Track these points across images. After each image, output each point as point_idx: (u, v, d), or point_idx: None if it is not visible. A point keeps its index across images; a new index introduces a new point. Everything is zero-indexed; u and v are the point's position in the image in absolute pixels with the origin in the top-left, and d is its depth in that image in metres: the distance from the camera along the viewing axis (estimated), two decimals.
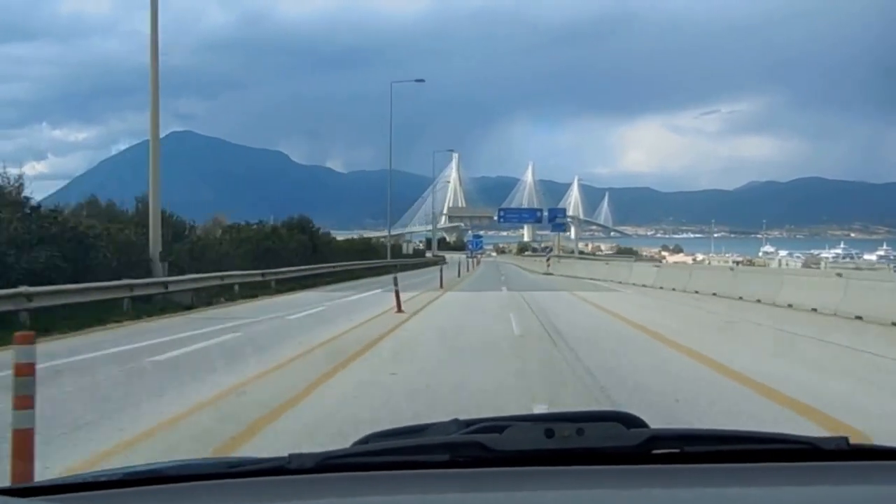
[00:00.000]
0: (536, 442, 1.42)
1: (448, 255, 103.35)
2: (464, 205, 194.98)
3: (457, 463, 1.44)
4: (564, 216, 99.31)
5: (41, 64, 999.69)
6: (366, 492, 1.37)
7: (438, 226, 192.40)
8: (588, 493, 1.34)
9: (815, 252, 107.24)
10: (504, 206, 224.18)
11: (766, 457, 1.46)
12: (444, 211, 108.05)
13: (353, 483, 1.40)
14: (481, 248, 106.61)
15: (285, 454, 1.47)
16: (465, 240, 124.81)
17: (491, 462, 1.42)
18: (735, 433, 1.61)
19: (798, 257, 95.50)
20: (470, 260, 70.01)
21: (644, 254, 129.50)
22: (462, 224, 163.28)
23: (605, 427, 1.46)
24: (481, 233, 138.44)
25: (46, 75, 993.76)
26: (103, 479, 1.43)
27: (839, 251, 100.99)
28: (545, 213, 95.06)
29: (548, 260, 53.09)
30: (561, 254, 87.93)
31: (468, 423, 1.58)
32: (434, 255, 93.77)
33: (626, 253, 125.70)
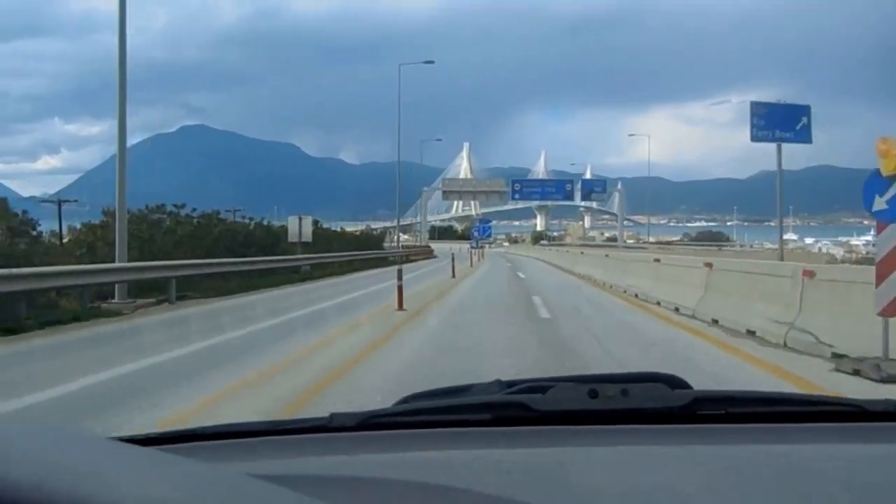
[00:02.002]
0: (580, 402, 1.42)
1: (444, 246, 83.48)
2: (477, 202, 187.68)
3: (499, 422, 1.45)
4: (603, 189, 79.69)
5: (54, 59, 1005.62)
6: (408, 448, 1.37)
7: (449, 214, 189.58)
8: (633, 450, 1.33)
9: (843, 239, 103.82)
10: (516, 196, 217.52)
11: (811, 418, 1.48)
12: (440, 186, 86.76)
13: (395, 440, 1.41)
14: (489, 235, 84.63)
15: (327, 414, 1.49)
16: (471, 231, 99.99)
17: (534, 422, 1.43)
18: (780, 395, 1.66)
19: (825, 244, 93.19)
20: (475, 250, 57.60)
21: (737, 244, 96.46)
22: (473, 212, 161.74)
23: (649, 388, 1.47)
24: (492, 222, 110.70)
25: (59, 70, 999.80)
26: (139, 437, 1.45)
27: (869, 238, 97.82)
28: (577, 185, 76.55)
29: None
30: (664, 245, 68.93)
31: (510, 383, 1.58)
32: (407, 247, 69.51)
33: (705, 240, 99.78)
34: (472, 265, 39.43)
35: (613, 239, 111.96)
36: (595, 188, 78.42)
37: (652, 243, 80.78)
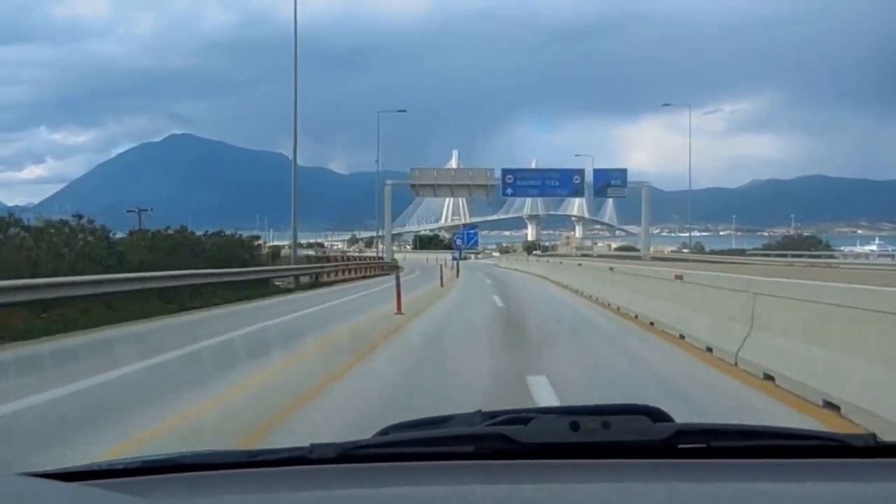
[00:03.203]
0: (561, 435, 1.41)
1: (420, 257, 75.06)
2: (466, 211, 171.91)
3: (481, 455, 1.43)
4: (623, 183, 61.69)
5: (38, 66, 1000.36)
6: (388, 482, 1.37)
7: (438, 224, 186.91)
8: (614, 487, 1.33)
9: (846, 248, 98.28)
10: (506, 206, 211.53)
11: (793, 453, 1.46)
12: (411, 180, 64.82)
13: (376, 473, 1.40)
14: (475, 243, 70.83)
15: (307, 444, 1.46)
16: (453, 239, 77.74)
17: (515, 454, 1.41)
18: (762, 429, 1.60)
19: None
20: (454, 262, 47.18)
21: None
22: (463, 221, 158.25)
23: (630, 420, 1.45)
24: (477, 228, 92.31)
25: (44, 78, 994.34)
26: (120, 466, 1.43)
27: (874, 248, 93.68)
28: (585, 179, 61.52)
29: None
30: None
31: (492, 414, 1.56)
32: (345, 259, 53.88)
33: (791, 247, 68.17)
34: (398, 309, 16.23)
35: (626, 248, 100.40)
36: (612, 180, 61.34)
37: (669, 257, 63.74)
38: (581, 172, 61.95)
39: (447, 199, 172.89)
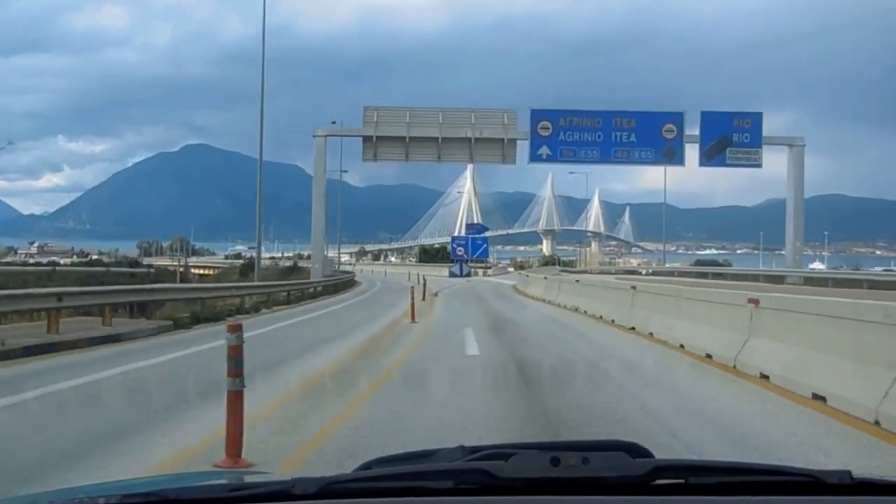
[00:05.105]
0: (542, 470, 1.40)
1: (399, 271, 60.50)
2: (479, 218, 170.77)
3: (461, 490, 1.42)
4: (756, 141, 39.06)
5: (56, 76, 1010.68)
6: None
7: (452, 234, 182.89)
8: None
9: (880, 269, 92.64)
10: (521, 221, 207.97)
11: (769, 489, 1.45)
12: (363, 130, 40.14)
13: None
14: (484, 253, 51.12)
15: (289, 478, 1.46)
16: (451, 245, 58.51)
17: (496, 490, 1.40)
18: (739, 465, 1.59)
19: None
20: (458, 279, 35.20)
21: None
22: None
23: (610, 457, 1.44)
24: (487, 230, 73.10)
25: (62, 87, 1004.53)
26: (102, 500, 1.42)
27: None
28: (685, 132, 38.13)
29: None
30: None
31: (473, 449, 1.56)
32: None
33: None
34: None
35: (706, 263, 74.96)
36: (736, 133, 38.10)
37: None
38: (678, 119, 38.45)
39: (461, 210, 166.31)
